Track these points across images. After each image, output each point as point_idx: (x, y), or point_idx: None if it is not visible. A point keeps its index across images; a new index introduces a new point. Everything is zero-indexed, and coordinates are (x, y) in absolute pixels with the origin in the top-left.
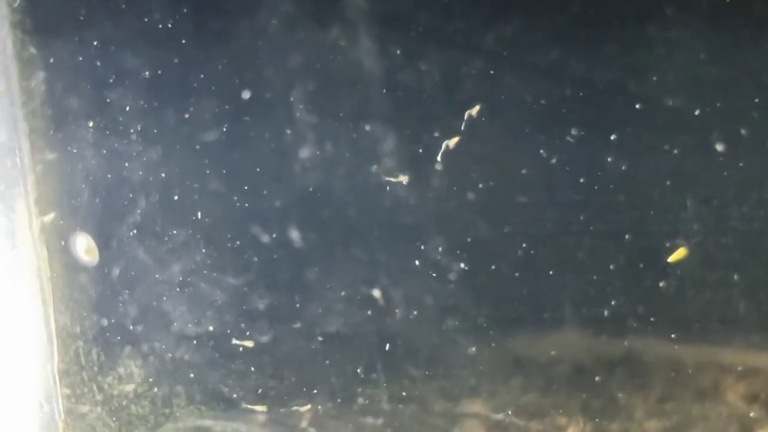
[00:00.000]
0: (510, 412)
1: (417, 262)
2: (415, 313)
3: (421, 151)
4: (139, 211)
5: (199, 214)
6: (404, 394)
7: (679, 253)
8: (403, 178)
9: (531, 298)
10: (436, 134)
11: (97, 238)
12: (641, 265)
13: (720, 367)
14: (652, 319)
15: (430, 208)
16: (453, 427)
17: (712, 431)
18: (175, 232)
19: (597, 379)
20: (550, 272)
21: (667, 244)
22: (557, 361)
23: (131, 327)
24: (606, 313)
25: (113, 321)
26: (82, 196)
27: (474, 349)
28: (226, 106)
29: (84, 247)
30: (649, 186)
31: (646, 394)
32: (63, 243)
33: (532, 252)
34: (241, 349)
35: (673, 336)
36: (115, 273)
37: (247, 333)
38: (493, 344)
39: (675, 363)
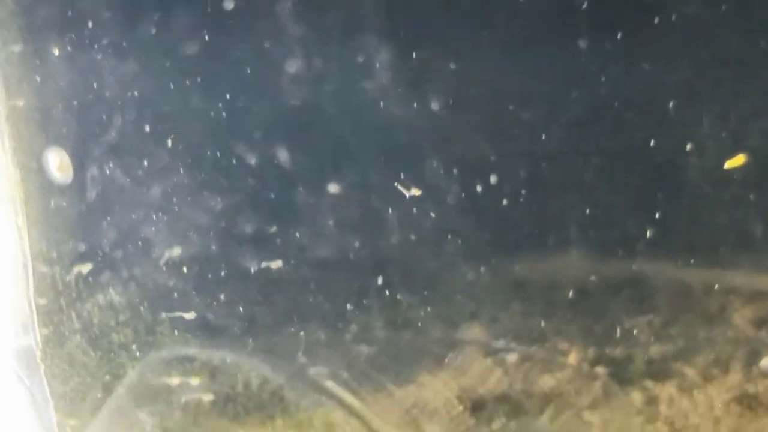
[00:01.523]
0: (510, 338)
1: (414, 184)
2: (412, 236)
3: (417, 66)
4: (115, 128)
5: (181, 132)
6: (400, 320)
7: (737, 160)
8: (399, 95)
9: (534, 220)
10: (434, 48)
11: (72, 156)
12: (650, 186)
13: (727, 291)
14: (658, 242)
15: (428, 126)
16: (451, 354)
17: (719, 356)
18: (154, 150)
19: (600, 303)
20: (555, 193)
21: (678, 163)
22: (560, 285)
23: (110, 252)
24: (611, 235)
25: (91, 245)
26: (55, 112)
27: (473, 273)
28: (207, 17)
29: (57, 164)
30: (660, 101)
31: (651, 318)
32: (36, 163)
33: (536, 172)
34: (227, 275)
35: (679, 259)
36: (92, 194)
37: (234, 259)
38: (493, 268)
39: (681, 286)
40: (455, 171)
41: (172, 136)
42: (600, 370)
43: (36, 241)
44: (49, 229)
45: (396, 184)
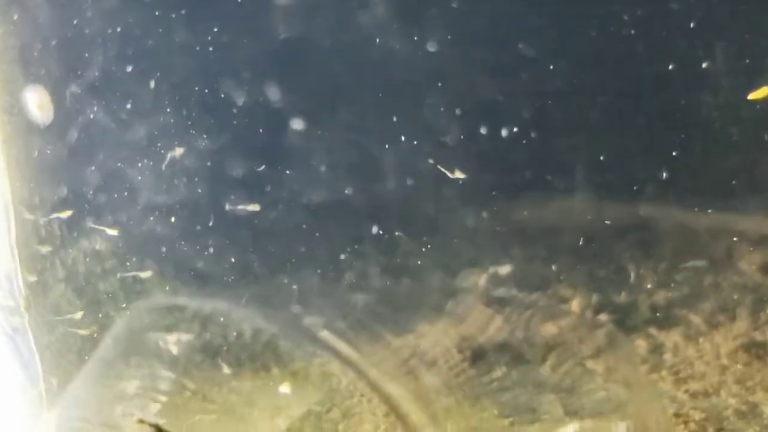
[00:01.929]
0: (511, 286)
1: (412, 124)
2: (410, 180)
3: (417, 1)
4: (97, 65)
5: (165, 70)
6: (397, 268)
7: (761, 92)
8: (396, 30)
9: (536, 162)
10: None
11: (52, 95)
12: (659, 126)
13: (734, 235)
14: (664, 185)
15: (427, 63)
16: (450, 303)
17: (726, 303)
18: (138, 89)
19: (604, 248)
20: (559, 134)
21: (691, 101)
22: (563, 230)
23: (94, 197)
24: (616, 178)
25: (75, 190)
26: (35, 49)
27: (473, 218)
28: None
29: (37, 103)
30: (672, 35)
31: (656, 263)
32: (15, 103)
33: (539, 112)
34: (216, 221)
35: (686, 202)
36: (73, 136)
37: (224, 203)
38: (494, 213)
39: (687, 230)
40: (455, 110)
41: (157, 74)
42: (604, 317)
43: (17, 186)
44: (31, 173)
45: (438, 165)
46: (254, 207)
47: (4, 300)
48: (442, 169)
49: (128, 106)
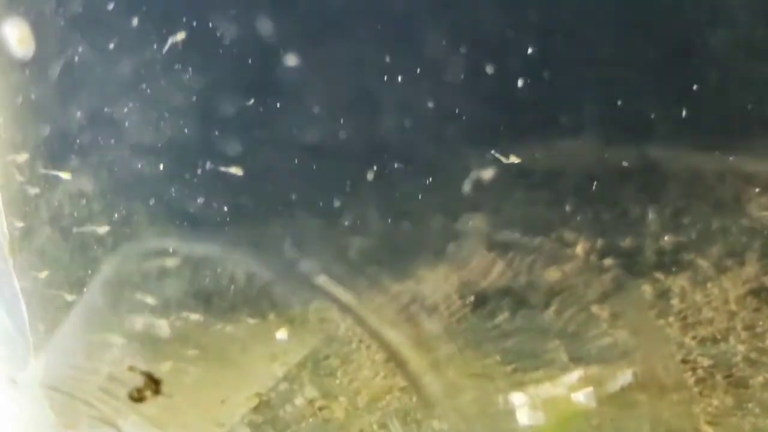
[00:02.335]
0: (514, 229)
1: (413, 59)
2: (411, 119)
3: None
4: None
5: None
6: (396, 211)
7: None
8: None
9: (539, 101)
10: None
11: (32, 27)
12: (667, 64)
13: (742, 177)
14: (670, 124)
15: None
16: (451, 247)
17: (734, 247)
18: (123, 18)
19: (609, 191)
20: (564, 71)
21: (704, 37)
22: (566, 171)
23: (79, 136)
24: (621, 117)
25: (58, 128)
26: None
27: (475, 160)
28: None
29: (17, 36)
30: None
31: (662, 206)
32: None
33: (544, 48)
34: (207, 161)
35: (692, 143)
36: (56, 70)
37: (215, 142)
38: (495, 154)
39: (693, 172)
40: (456, 45)
41: (143, 7)
42: (609, 261)
43: None
44: (12, 110)
45: (492, 151)
46: (247, 146)
47: None
48: (497, 155)
49: (113, 40)
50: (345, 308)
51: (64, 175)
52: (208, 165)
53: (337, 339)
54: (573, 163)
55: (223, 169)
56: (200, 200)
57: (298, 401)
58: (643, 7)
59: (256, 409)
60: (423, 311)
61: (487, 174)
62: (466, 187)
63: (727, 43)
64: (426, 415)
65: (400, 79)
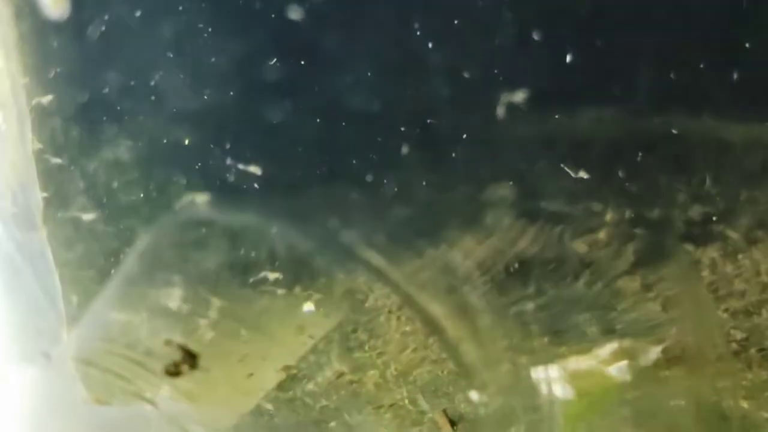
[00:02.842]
0: (546, 199)
1: (456, 21)
2: (450, 87)
3: None
4: None
5: None
6: (431, 180)
7: None
8: None
9: (565, 72)
10: None
11: None
12: (695, 32)
13: None
14: (697, 93)
15: None
16: (484, 215)
17: (762, 217)
18: None
19: (637, 161)
20: (589, 44)
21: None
22: (592, 141)
23: (116, 101)
24: (648, 86)
25: (95, 94)
26: None
27: (501, 128)
28: None
29: None
30: None
31: (690, 176)
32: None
33: (571, 21)
34: (248, 128)
35: (720, 111)
36: (93, 34)
37: (255, 108)
38: (522, 122)
39: (721, 142)
40: (495, 12)
41: None
42: (637, 232)
43: (33, 91)
44: (47, 76)
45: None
46: (285, 114)
47: (20, 213)
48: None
49: (152, 2)
50: (383, 277)
51: (99, 144)
52: (249, 132)
53: (365, 311)
54: (599, 132)
55: (263, 136)
56: (239, 169)
57: (327, 375)
58: None
59: (284, 384)
60: (459, 279)
61: (518, 144)
62: (500, 155)
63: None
64: (465, 385)
65: (445, 40)
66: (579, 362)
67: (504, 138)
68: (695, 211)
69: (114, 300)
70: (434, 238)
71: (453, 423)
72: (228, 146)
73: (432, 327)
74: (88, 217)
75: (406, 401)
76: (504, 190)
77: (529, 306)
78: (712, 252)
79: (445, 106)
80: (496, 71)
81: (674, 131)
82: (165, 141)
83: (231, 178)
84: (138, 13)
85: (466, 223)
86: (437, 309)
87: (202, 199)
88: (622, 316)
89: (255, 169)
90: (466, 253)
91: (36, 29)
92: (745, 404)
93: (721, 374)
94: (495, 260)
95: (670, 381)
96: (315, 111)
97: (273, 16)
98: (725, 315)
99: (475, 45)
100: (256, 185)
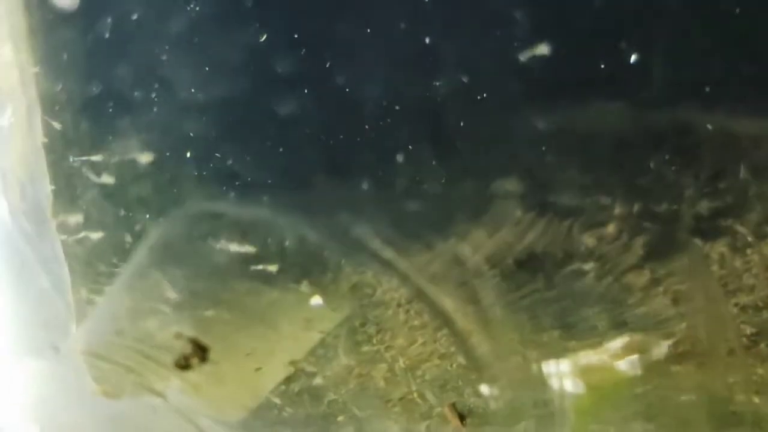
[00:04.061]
0: (547, 193)
1: (465, 13)
2: (459, 81)
3: None
4: None
5: None
6: (441, 175)
7: None
8: None
9: (573, 64)
10: None
11: None
12: (702, 23)
13: None
14: (705, 86)
15: None
16: (494, 209)
17: None
18: None
19: (644, 155)
20: (595, 36)
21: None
22: (599, 134)
23: (127, 93)
24: (655, 78)
25: (105, 86)
26: None
27: (509, 122)
28: None
29: None
30: None
31: (699, 170)
32: None
33: (573, 11)
34: (260, 120)
35: (728, 105)
36: (104, 25)
37: (267, 100)
38: (529, 117)
39: (729, 136)
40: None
41: None
42: (646, 226)
43: (42, 82)
44: (58, 67)
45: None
46: (300, 106)
47: (30, 206)
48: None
49: None
50: (392, 270)
51: (110, 136)
52: (260, 124)
53: (373, 305)
54: (606, 125)
55: (275, 128)
56: (250, 161)
57: (335, 369)
58: None
59: (292, 378)
60: (468, 272)
61: (527, 138)
62: (509, 149)
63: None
64: (475, 379)
65: (460, 34)
66: (589, 356)
67: (513, 131)
68: (704, 206)
69: (124, 293)
70: (444, 231)
71: (462, 417)
72: (238, 138)
73: (442, 320)
74: (97, 210)
75: (415, 395)
76: (513, 184)
77: (539, 299)
78: (720, 246)
79: (454, 98)
80: (506, 64)
81: (683, 125)
82: (175, 133)
83: (241, 171)
84: (149, 4)
85: (476, 216)
86: (447, 302)
87: (212, 192)
88: (632, 310)
89: (266, 162)
90: (475, 246)
91: (46, 20)
92: (756, 399)
93: (731, 369)
94: (504, 253)
95: (681, 375)
96: (326, 104)
97: (283, 7)
98: (735, 310)
99: (485, 37)
100: (266, 178)
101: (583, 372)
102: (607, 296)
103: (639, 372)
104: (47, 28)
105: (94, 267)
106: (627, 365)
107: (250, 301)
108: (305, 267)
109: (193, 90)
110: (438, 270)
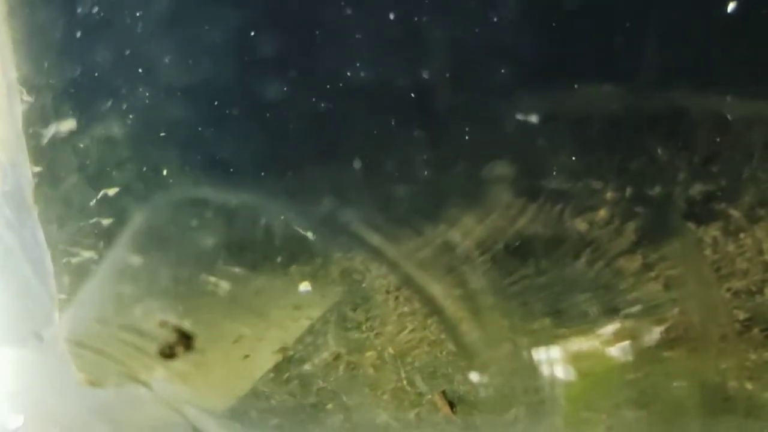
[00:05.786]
0: (538, 177)
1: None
2: (448, 63)
3: None
4: None
5: None
6: (430, 159)
7: None
8: None
9: (561, 46)
10: None
11: None
12: (694, 7)
13: None
14: (698, 69)
15: None
16: (483, 194)
17: (764, 196)
18: None
19: (636, 138)
20: (586, 15)
21: None
22: (591, 117)
23: (108, 77)
24: (647, 61)
25: (85, 68)
26: None
27: (499, 105)
28: None
29: None
30: None
31: (691, 154)
32: None
33: None
34: (243, 104)
35: (721, 88)
36: (84, 6)
37: (251, 83)
38: (520, 101)
39: (722, 119)
40: None
41: None
42: (638, 210)
43: (22, 65)
44: (38, 50)
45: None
46: (286, 89)
47: (11, 192)
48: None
49: None
50: (377, 254)
51: (91, 120)
52: (244, 108)
53: (362, 291)
54: (597, 108)
55: (259, 112)
56: (235, 147)
57: (324, 356)
58: None
59: (280, 365)
60: (458, 258)
61: (517, 122)
62: (499, 133)
63: None
64: (464, 366)
65: (449, 17)
66: (580, 343)
67: (504, 115)
68: (696, 189)
69: (107, 280)
70: (433, 217)
71: (452, 405)
72: (223, 123)
73: (431, 307)
74: (80, 195)
75: (405, 383)
76: (504, 168)
77: (530, 285)
78: (713, 231)
79: (444, 82)
80: (496, 46)
81: (676, 108)
82: (158, 117)
83: (226, 155)
84: None
85: (466, 202)
86: (436, 289)
87: (196, 177)
88: (624, 295)
89: (251, 147)
90: (465, 231)
91: (25, 1)
92: (749, 385)
93: (724, 355)
94: (495, 239)
95: (673, 361)
96: (312, 87)
97: None
98: (728, 295)
99: (475, 20)
100: (252, 163)
101: (574, 358)
102: (598, 282)
103: (630, 358)
104: (27, 10)
105: (77, 254)
106: (618, 351)
107: (236, 287)
108: (293, 253)
109: (175, 73)
110: (427, 256)
